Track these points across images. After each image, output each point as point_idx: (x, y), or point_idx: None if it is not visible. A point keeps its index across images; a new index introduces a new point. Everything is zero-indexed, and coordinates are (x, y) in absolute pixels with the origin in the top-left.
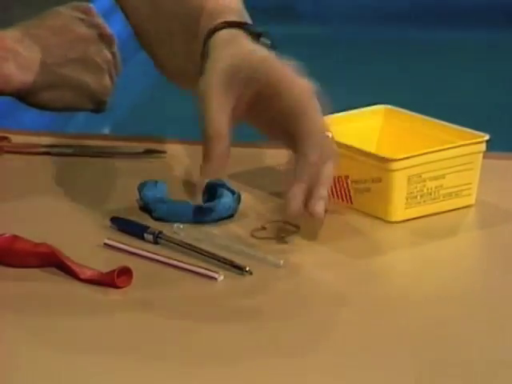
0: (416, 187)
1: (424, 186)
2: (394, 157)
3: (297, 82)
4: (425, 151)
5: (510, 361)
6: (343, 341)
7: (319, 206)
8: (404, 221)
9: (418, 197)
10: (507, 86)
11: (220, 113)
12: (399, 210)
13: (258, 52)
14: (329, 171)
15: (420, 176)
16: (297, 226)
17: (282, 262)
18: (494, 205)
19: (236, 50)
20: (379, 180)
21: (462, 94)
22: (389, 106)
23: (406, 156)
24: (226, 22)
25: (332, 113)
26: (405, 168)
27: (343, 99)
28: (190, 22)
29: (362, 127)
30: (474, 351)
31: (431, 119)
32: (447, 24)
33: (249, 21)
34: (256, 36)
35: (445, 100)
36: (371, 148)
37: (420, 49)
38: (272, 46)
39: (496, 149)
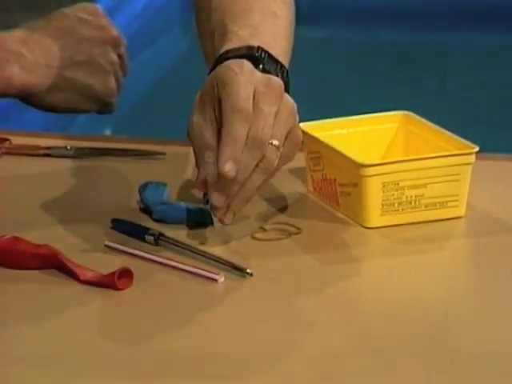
0: (393, 194)
1: (402, 193)
2: (367, 162)
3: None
4: (401, 159)
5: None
6: (331, 342)
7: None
8: (382, 227)
9: (396, 204)
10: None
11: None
12: (374, 216)
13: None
14: (253, 183)
15: (397, 184)
16: (298, 228)
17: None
18: (482, 211)
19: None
20: (356, 185)
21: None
22: (407, 112)
23: (379, 162)
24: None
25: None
26: (378, 174)
27: (343, 101)
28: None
29: (377, 131)
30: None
31: (437, 127)
32: (447, 26)
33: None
34: (255, 62)
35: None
36: (379, 152)
37: (423, 52)
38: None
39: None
